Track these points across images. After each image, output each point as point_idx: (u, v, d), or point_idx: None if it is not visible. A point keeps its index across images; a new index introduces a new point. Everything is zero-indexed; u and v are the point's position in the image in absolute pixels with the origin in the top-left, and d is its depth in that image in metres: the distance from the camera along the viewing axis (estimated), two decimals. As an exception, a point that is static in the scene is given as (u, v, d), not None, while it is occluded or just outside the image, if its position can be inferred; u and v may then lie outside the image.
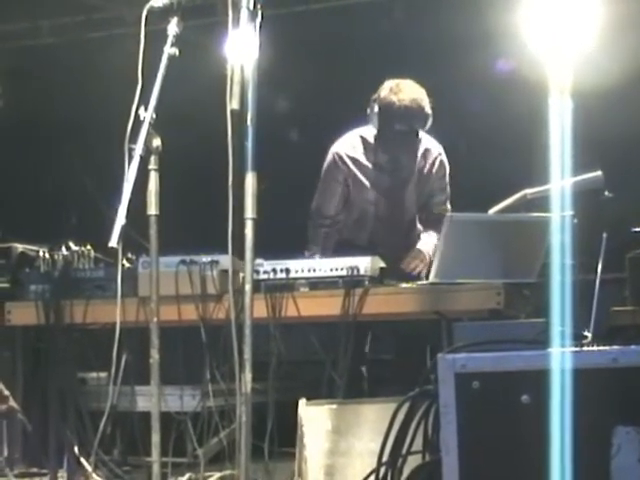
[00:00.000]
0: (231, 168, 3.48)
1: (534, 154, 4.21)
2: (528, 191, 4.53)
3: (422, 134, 4.94)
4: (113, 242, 3.38)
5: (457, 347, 2.89)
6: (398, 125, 4.79)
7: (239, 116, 3.41)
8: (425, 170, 5.01)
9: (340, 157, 4.99)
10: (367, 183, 4.98)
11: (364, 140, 4.99)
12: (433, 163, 5.02)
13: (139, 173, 3.47)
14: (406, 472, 3.12)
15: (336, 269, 4.13)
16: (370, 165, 4.98)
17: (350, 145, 5.01)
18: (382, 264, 4.26)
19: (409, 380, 3.16)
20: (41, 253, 4.54)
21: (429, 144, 5.01)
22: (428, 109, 4.78)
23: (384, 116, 4.80)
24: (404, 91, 4.78)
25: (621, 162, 5.78)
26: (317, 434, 3.88)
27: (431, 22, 6.72)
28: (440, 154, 5.05)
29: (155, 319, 3.60)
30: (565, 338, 2.94)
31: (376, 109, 4.82)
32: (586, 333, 3.24)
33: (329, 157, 5.03)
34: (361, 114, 4.94)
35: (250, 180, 3.40)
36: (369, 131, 4.97)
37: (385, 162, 4.97)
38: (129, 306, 4.17)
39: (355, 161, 4.98)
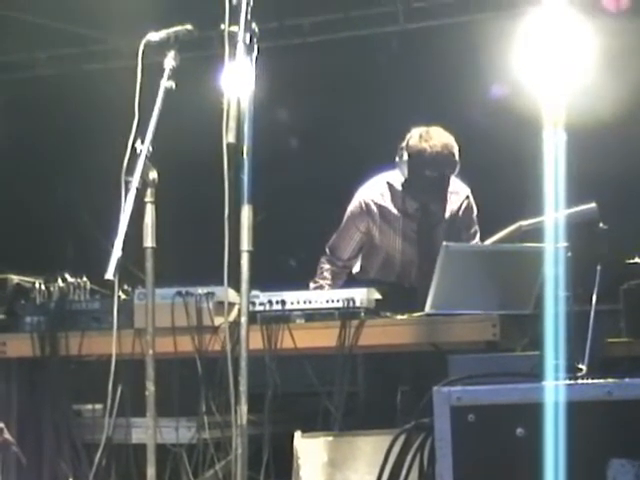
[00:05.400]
0: (227, 201, 3.50)
1: (528, 186, 4.23)
2: (523, 223, 4.55)
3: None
4: (109, 274, 3.39)
5: (453, 380, 2.90)
6: (429, 171, 4.75)
7: (235, 148, 3.42)
8: (452, 213, 4.98)
9: (367, 205, 4.92)
10: (394, 231, 4.93)
11: (391, 187, 4.93)
12: (460, 206, 4.99)
13: (136, 205, 3.49)
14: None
15: (332, 301, 4.13)
16: (397, 213, 4.92)
17: (378, 192, 4.94)
18: (378, 295, 4.26)
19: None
20: (37, 285, 4.53)
21: (456, 187, 4.96)
22: (457, 155, 4.77)
23: (415, 163, 4.76)
24: (435, 137, 4.76)
25: (615, 194, 5.79)
26: (313, 466, 3.87)
27: (427, 55, 6.76)
28: (468, 197, 5.02)
29: (151, 351, 3.60)
30: (559, 371, 2.95)
31: (405, 157, 4.78)
32: (581, 365, 3.24)
33: (355, 202, 4.97)
34: (358, 145, 4.95)
35: (246, 213, 3.41)
36: (396, 177, 4.92)
37: (414, 210, 4.92)
38: (125, 338, 4.15)
39: (382, 209, 4.92)
